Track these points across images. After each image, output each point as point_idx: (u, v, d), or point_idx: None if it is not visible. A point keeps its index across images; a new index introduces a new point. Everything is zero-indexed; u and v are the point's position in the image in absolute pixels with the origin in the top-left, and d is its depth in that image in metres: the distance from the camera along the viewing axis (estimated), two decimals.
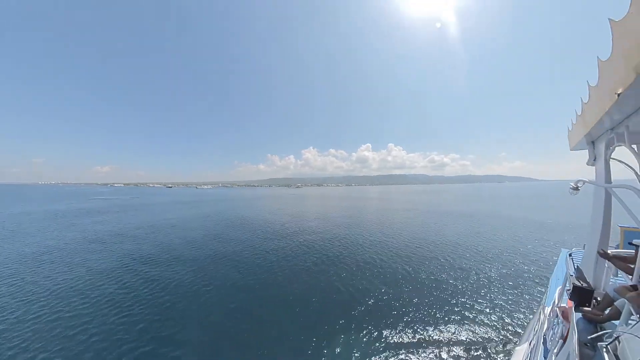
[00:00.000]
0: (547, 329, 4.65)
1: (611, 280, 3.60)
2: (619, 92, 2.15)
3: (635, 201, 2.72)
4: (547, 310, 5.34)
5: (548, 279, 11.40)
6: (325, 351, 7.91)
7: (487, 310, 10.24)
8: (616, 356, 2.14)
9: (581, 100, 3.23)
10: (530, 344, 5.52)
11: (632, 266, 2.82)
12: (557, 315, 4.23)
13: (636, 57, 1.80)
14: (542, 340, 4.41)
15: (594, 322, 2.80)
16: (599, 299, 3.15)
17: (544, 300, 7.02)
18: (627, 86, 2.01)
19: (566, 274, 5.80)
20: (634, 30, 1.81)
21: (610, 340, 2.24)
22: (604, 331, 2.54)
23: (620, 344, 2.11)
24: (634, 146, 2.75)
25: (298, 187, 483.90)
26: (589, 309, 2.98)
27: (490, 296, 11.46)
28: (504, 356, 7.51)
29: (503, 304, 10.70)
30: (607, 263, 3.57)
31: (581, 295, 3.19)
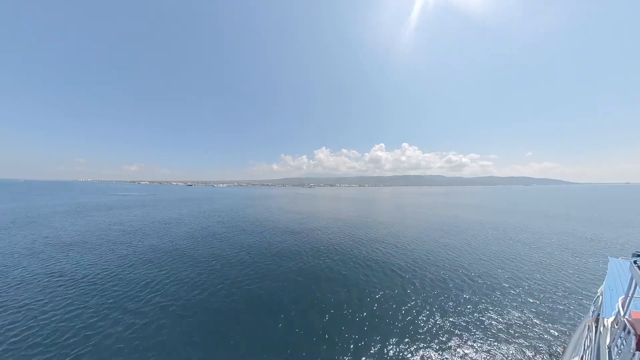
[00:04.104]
0: (612, 341, 4.42)
1: None
2: None
3: None
4: (608, 321, 5.06)
5: (584, 290, 11.54)
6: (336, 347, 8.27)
7: (519, 322, 10.00)
8: None
9: None
10: (582, 359, 5.31)
11: None
12: (624, 327, 4.03)
13: None
14: (607, 353, 4.26)
15: None
16: None
17: (592, 312, 6.61)
18: None
19: (631, 280, 5.20)
20: None
21: None
22: None
23: None
24: None
25: (311, 186, 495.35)
26: None
27: (524, 307, 11.19)
28: None
29: (536, 316, 10.36)
30: None
31: None
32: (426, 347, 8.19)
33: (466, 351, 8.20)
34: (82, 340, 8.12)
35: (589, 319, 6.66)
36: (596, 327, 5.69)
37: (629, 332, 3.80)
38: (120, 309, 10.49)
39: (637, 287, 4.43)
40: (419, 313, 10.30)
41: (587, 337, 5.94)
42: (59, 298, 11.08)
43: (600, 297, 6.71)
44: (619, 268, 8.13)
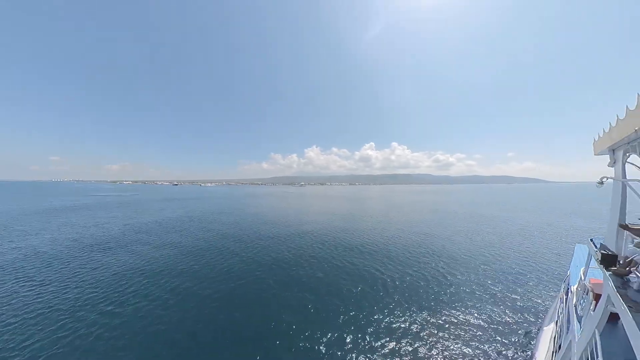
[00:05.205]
0: (577, 300, 6.02)
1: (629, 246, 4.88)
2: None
3: None
4: (574, 287, 6.70)
5: (556, 272, 14.33)
6: (328, 343, 8.42)
7: (503, 303, 11.12)
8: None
9: (610, 124, 4.74)
10: (557, 323, 6.75)
11: None
12: (585, 288, 5.76)
13: None
14: (573, 311, 5.68)
15: (619, 275, 3.98)
16: (621, 262, 4.39)
17: (562, 288, 8.36)
18: None
19: (589, 254, 6.88)
20: None
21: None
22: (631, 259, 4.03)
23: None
24: None
25: (302, 185, 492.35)
26: (615, 268, 4.16)
27: (508, 288, 12.60)
28: (529, 339, 8.56)
29: (518, 297, 11.71)
30: (625, 234, 4.96)
31: (607, 259, 4.40)
32: (413, 342, 8.51)
33: (454, 334, 8.82)
34: (51, 343, 8.26)
35: (561, 293, 8.29)
36: (566, 298, 7.18)
37: (587, 292, 5.42)
38: (96, 310, 10.54)
39: (592, 258, 5.90)
40: (401, 311, 10.63)
41: (559, 306, 7.53)
42: (29, 302, 11.12)
43: (569, 274, 8.51)
44: (582, 251, 10.19)
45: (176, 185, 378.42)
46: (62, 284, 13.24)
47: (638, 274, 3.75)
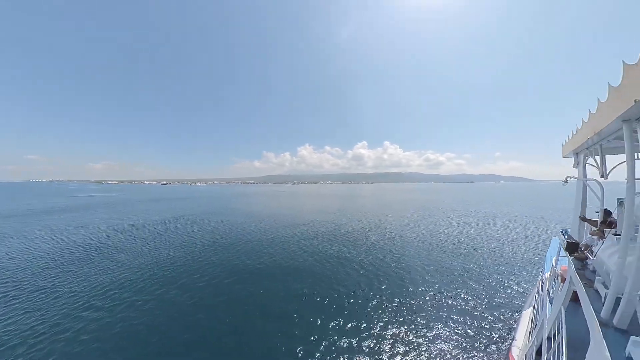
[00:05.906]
0: (549, 285, 7.13)
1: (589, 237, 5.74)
2: (597, 131, 3.88)
3: (598, 189, 5.22)
4: (547, 274, 7.89)
5: (536, 263, 15.94)
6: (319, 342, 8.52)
7: (491, 289, 12.31)
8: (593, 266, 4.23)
9: (571, 131, 5.70)
10: (534, 307, 7.86)
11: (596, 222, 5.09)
12: (555, 273, 6.97)
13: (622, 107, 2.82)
14: (546, 294, 6.73)
15: (580, 259, 4.86)
16: (582, 248, 5.21)
17: (540, 276, 9.51)
18: (603, 128, 3.61)
19: (559, 244, 7.92)
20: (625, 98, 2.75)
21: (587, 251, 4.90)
22: (585, 244, 5.13)
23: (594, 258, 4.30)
24: (597, 157, 5.00)
25: (295, 184, 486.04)
26: (577, 254, 5.03)
27: (491, 281, 13.66)
28: (512, 321, 9.58)
29: (500, 287, 12.85)
30: (585, 225, 6.04)
31: (571, 246, 5.31)
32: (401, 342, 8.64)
33: (439, 329, 9.24)
34: (27, 344, 8.40)
35: (538, 281, 9.44)
36: (542, 284, 8.22)
37: (557, 277, 6.62)
38: (76, 310, 10.64)
39: (562, 247, 6.59)
40: (385, 307, 10.97)
41: (536, 292, 8.70)
42: (2, 307, 11.17)
43: (545, 264, 9.86)
44: (556, 243, 11.49)
45: (165, 184, 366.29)
46: (40, 286, 13.36)
47: (591, 256, 4.62)
